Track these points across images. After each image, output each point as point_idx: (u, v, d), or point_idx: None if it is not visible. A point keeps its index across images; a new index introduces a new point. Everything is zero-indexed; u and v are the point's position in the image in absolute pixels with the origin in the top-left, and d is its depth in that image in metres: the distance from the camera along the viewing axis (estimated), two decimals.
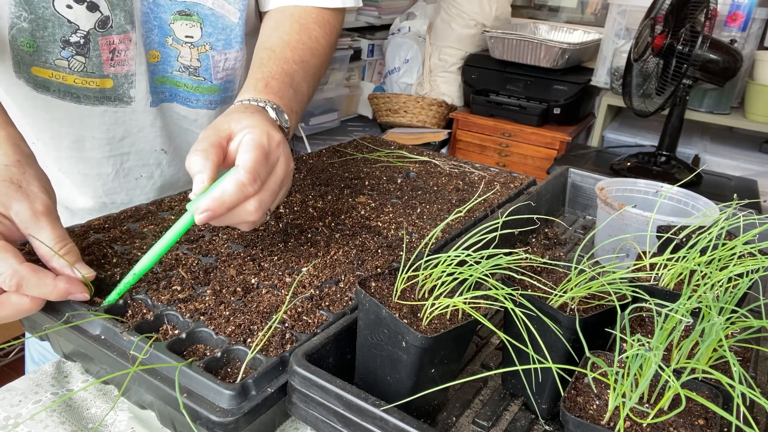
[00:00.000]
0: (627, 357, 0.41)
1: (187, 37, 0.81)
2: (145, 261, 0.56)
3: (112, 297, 0.55)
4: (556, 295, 0.51)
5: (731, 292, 0.49)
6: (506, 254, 0.50)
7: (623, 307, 0.49)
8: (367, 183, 0.91)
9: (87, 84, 0.77)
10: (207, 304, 0.56)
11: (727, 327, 0.47)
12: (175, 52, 0.82)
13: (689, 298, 0.46)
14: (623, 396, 0.40)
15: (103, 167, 0.85)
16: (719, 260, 0.54)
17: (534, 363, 0.46)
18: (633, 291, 0.50)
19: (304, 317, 0.55)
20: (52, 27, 0.71)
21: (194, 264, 0.63)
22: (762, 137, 2.27)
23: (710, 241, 0.55)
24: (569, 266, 0.53)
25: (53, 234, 0.54)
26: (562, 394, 0.43)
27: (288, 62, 0.75)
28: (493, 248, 0.50)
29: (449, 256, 0.49)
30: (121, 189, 0.88)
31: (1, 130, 0.58)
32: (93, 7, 0.72)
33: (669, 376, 0.39)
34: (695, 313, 0.50)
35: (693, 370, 0.43)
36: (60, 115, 0.79)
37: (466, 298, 0.47)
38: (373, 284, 0.51)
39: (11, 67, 0.74)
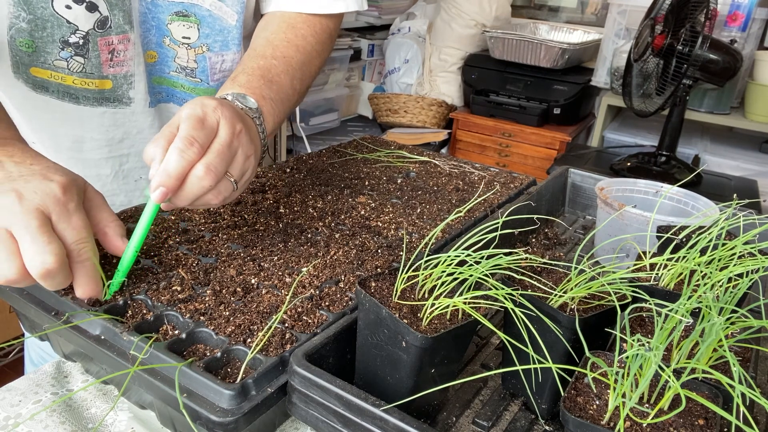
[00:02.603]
0: (627, 357, 0.41)
1: (184, 38, 0.81)
2: (126, 259, 0.57)
3: (105, 298, 0.56)
4: (556, 295, 0.51)
5: (731, 292, 0.49)
6: (506, 254, 0.50)
7: (623, 307, 0.49)
8: (367, 183, 0.91)
9: (86, 85, 0.77)
10: (207, 305, 0.56)
11: (727, 327, 0.47)
12: (172, 53, 0.82)
13: (689, 298, 0.46)
14: (623, 396, 0.40)
15: (102, 168, 0.85)
16: (719, 260, 0.54)
17: (534, 363, 0.46)
18: (633, 291, 0.50)
19: (304, 317, 0.55)
20: (51, 27, 0.71)
21: (194, 264, 0.63)
22: (762, 137, 2.27)
23: (710, 241, 0.55)
24: (569, 266, 0.53)
25: (110, 210, 0.60)
26: (562, 394, 0.43)
27: (266, 58, 0.76)
28: (493, 248, 0.50)
29: (449, 256, 0.49)
30: (120, 191, 0.88)
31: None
32: (92, 8, 0.72)
33: (669, 376, 0.39)
34: (695, 313, 0.50)
35: (693, 370, 0.43)
36: (59, 116, 0.79)
37: (466, 298, 0.47)
38: (373, 284, 0.51)
39: (10, 68, 0.74)
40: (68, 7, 0.71)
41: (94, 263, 0.54)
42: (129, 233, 0.68)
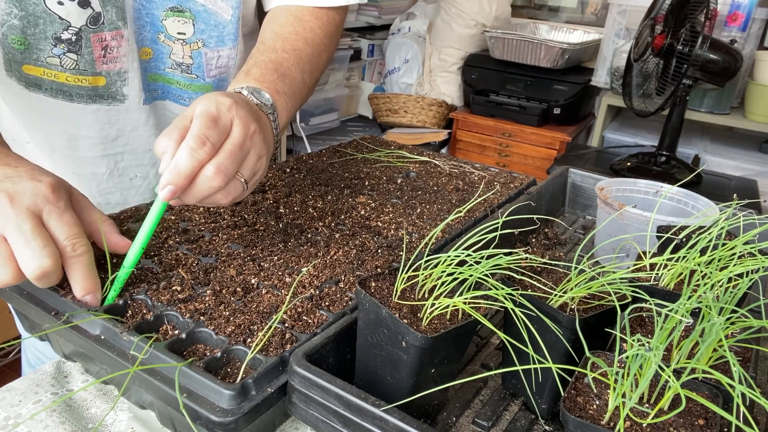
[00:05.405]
0: (627, 357, 0.41)
1: (179, 33, 0.81)
2: (132, 253, 0.57)
3: (111, 296, 0.56)
4: (556, 295, 0.51)
5: (731, 292, 0.49)
6: (506, 254, 0.50)
7: (623, 307, 0.49)
8: (367, 183, 0.91)
9: (79, 82, 0.76)
10: (207, 304, 0.56)
11: (727, 327, 0.47)
12: (168, 49, 0.81)
13: (689, 298, 0.46)
14: (623, 396, 0.40)
15: (98, 167, 0.85)
16: (719, 260, 0.54)
17: (534, 363, 0.46)
18: (633, 291, 0.50)
19: (304, 317, 0.55)
20: (44, 24, 0.71)
21: (194, 264, 0.63)
22: (762, 137, 2.27)
23: (710, 241, 0.55)
24: (569, 266, 0.53)
25: (99, 210, 0.61)
26: (562, 394, 0.43)
27: (276, 51, 0.75)
28: (493, 248, 0.50)
29: (449, 256, 0.49)
30: (115, 189, 0.87)
31: None
32: (84, 4, 0.71)
33: (669, 376, 0.39)
34: (695, 313, 0.50)
35: (693, 370, 0.43)
36: (53, 114, 0.78)
37: (466, 298, 0.47)
38: (373, 284, 0.51)
39: (2, 66, 0.73)
40: (60, 3, 0.70)
41: (89, 258, 0.54)
42: (129, 233, 0.68)
